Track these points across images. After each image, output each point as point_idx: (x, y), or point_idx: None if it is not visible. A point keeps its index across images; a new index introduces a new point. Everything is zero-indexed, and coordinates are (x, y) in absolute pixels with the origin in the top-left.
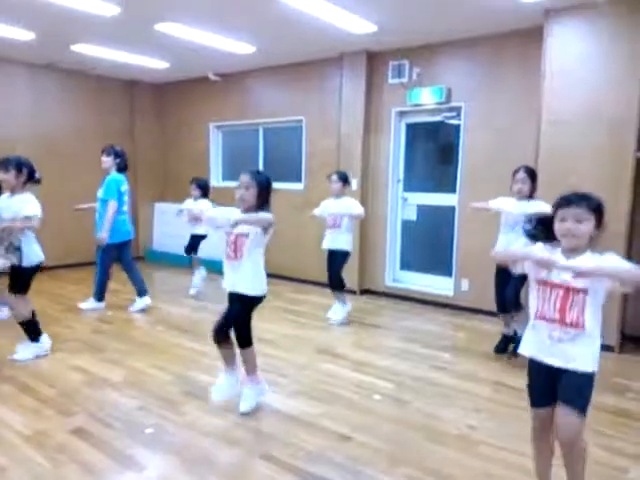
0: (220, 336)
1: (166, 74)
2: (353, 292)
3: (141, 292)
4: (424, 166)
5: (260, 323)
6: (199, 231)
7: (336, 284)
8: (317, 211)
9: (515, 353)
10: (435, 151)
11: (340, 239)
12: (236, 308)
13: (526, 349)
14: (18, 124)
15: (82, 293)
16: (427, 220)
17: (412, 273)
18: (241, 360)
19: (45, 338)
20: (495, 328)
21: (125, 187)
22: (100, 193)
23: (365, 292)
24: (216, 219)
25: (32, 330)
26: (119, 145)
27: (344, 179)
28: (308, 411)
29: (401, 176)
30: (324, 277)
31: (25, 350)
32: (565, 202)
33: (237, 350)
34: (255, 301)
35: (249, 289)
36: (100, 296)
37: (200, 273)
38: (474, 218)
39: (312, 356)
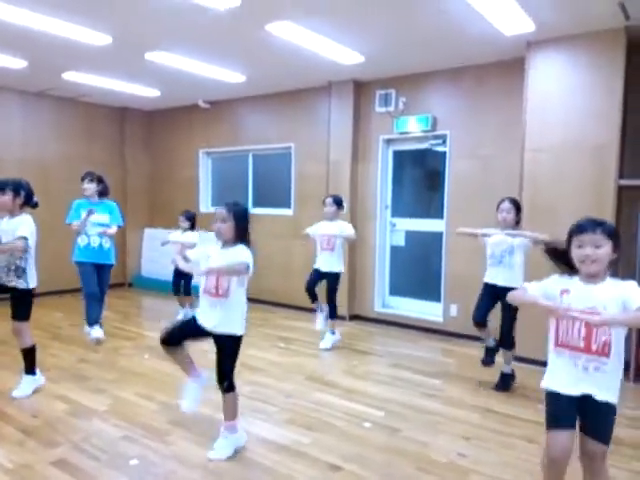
0: (172, 341)
1: (156, 101)
2: (343, 318)
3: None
4: (411, 192)
5: (250, 350)
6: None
7: (332, 309)
8: (310, 230)
9: (502, 387)
10: (422, 178)
11: (333, 261)
12: (228, 352)
13: (548, 380)
14: (8, 150)
15: (69, 320)
16: (415, 246)
17: (401, 299)
18: (223, 406)
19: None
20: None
21: None
22: (108, 219)
23: (355, 318)
24: (198, 263)
25: (33, 360)
26: (108, 171)
27: (338, 203)
28: (298, 440)
29: (389, 202)
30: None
31: (26, 385)
32: (581, 229)
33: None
34: (239, 341)
35: (238, 329)
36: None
37: (186, 315)
38: (461, 244)
39: (302, 384)
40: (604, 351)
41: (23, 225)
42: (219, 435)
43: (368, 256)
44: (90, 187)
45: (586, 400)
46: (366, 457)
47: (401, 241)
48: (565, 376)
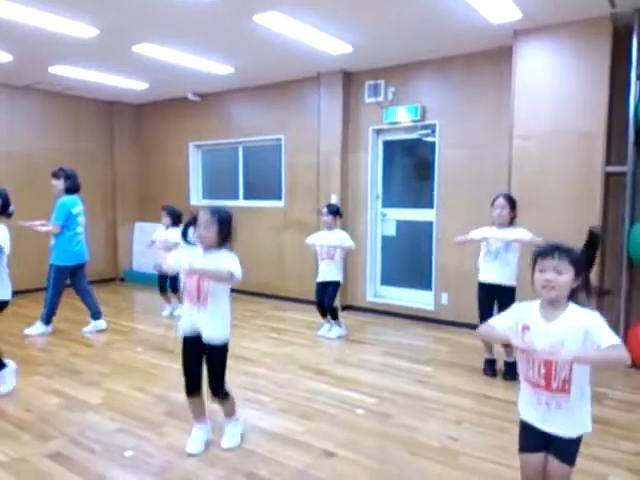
0: (195, 383)
1: (145, 94)
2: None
3: (95, 315)
4: (402, 182)
5: (242, 341)
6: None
7: (332, 314)
8: (310, 239)
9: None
10: (412, 167)
11: (332, 271)
12: (217, 363)
13: (521, 408)
14: None
15: (60, 316)
16: (406, 235)
17: (393, 288)
18: (221, 408)
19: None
20: (475, 341)
21: (78, 209)
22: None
23: (347, 308)
24: (179, 264)
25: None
26: (97, 165)
27: (335, 212)
28: (292, 428)
29: (380, 192)
30: (304, 294)
31: (7, 378)
32: (544, 253)
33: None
34: (226, 347)
35: (222, 337)
36: (49, 319)
37: (179, 308)
38: (451, 233)
39: (295, 373)
40: (564, 388)
41: None
42: (225, 425)
43: (360, 246)
44: (57, 183)
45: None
46: (359, 443)
47: (392, 231)
48: (532, 410)
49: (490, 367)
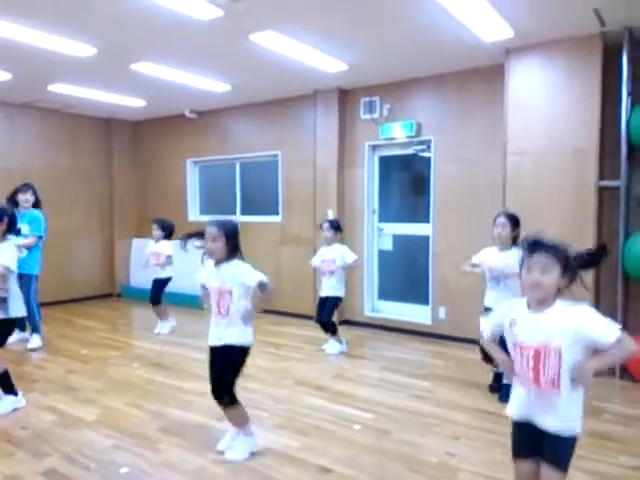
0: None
1: (143, 112)
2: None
3: (35, 329)
4: (398, 197)
5: None
6: (163, 275)
7: (330, 329)
8: (314, 260)
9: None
10: (408, 182)
11: (334, 285)
12: (220, 362)
13: (511, 407)
14: None
15: (55, 333)
16: (403, 250)
17: (390, 302)
18: (227, 418)
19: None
20: (473, 355)
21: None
22: (27, 229)
23: (345, 323)
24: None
25: (7, 383)
26: (96, 181)
27: (335, 227)
28: (288, 444)
29: (376, 207)
30: (302, 309)
31: (6, 404)
32: (530, 250)
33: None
34: (243, 353)
35: (244, 339)
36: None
37: (169, 323)
38: (448, 247)
39: (292, 388)
40: (554, 384)
41: (2, 254)
42: (234, 436)
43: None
44: (29, 198)
45: (542, 431)
46: (356, 459)
47: (389, 245)
48: (524, 406)
49: (497, 381)
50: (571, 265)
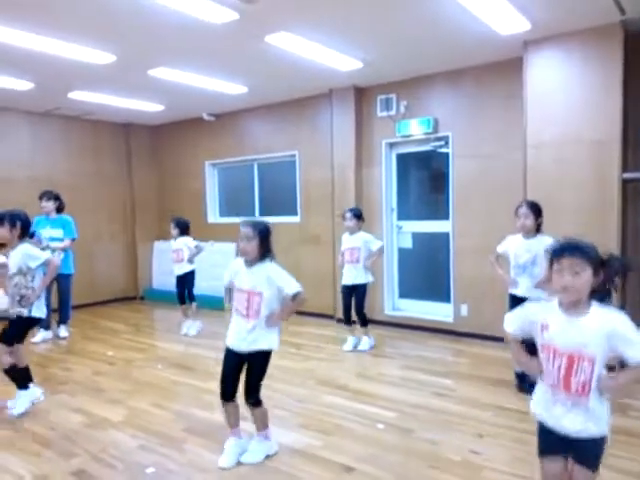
0: (230, 390)
1: (161, 116)
2: (354, 322)
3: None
4: (417, 194)
5: None
6: (183, 270)
7: (361, 319)
8: (340, 259)
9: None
10: (426, 179)
11: (357, 273)
12: (257, 369)
13: (536, 408)
14: (18, 170)
15: (81, 335)
16: (423, 247)
17: (411, 301)
18: (253, 419)
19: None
20: (496, 353)
21: None
22: (62, 233)
23: None
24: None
25: (26, 377)
26: (117, 185)
27: (358, 216)
28: (311, 443)
29: (395, 205)
30: (322, 309)
31: (21, 401)
32: (560, 251)
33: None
34: (270, 355)
35: (271, 343)
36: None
37: (197, 324)
38: (468, 244)
39: (314, 388)
40: (584, 391)
41: (31, 258)
42: (252, 438)
43: (377, 260)
44: (48, 205)
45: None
46: (379, 458)
47: (408, 243)
48: (549, 409)
49: (522, 381)
50: (606, 265)
